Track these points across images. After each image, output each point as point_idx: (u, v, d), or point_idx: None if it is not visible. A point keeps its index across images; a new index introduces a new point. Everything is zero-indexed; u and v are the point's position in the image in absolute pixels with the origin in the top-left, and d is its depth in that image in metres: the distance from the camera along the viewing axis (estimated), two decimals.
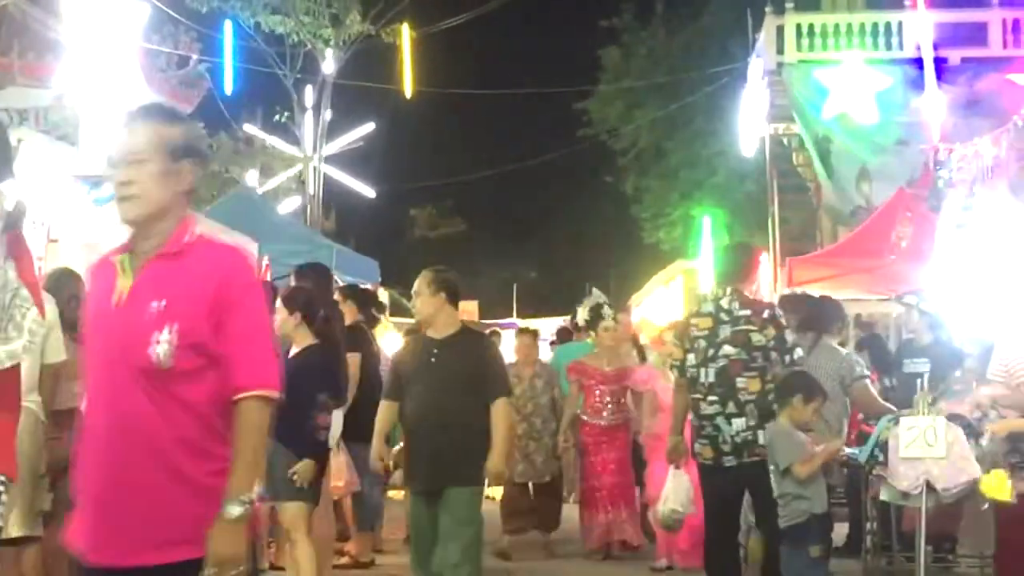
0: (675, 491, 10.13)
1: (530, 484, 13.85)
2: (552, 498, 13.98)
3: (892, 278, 14.97)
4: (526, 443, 13.50)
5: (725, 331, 9.29)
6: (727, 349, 9.26)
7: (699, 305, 9.82)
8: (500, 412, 8.99)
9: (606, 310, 13.64)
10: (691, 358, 9.45)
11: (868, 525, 11.61)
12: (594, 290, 14.25)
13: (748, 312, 9.30)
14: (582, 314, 14.06)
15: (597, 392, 13.28)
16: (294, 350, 9.67)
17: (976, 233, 13.37)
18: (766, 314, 9.32)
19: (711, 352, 9.32)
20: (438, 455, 8.86)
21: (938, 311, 12.55)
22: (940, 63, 23.88)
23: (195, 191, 4.80)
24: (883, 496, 9.25)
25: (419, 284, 9.19)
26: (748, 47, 29.10)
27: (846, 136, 24.52)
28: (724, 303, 9.39)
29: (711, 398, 9.32)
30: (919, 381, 9.11)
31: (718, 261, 10.08)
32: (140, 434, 4.50)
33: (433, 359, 9.07)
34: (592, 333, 13.87)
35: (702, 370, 9.36)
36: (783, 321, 9.44)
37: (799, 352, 9.42)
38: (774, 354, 9.22)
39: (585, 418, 13.31)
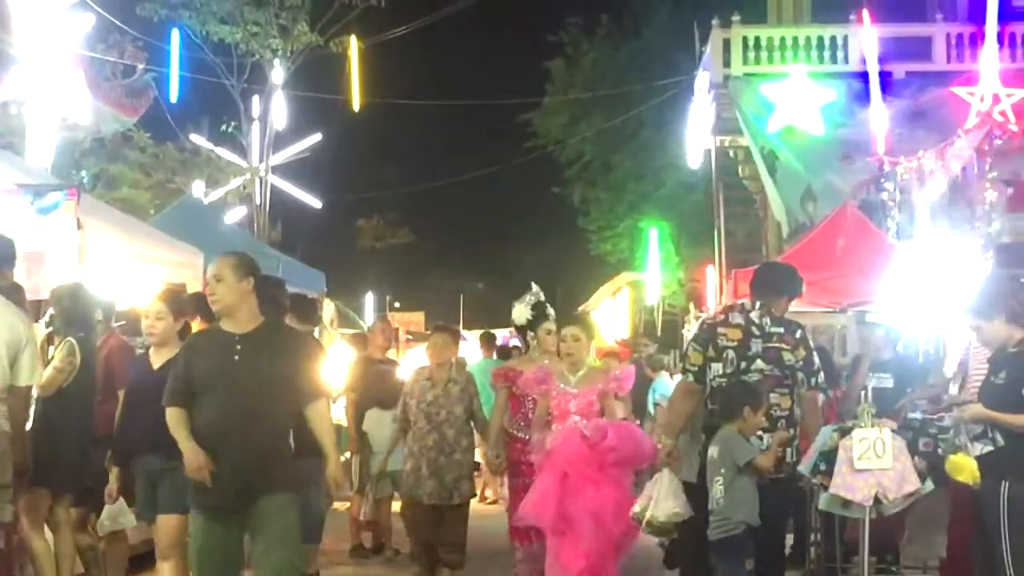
0: (672, 493, 9.20)
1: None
2: (459, 526, 11.71)
3: (837, 290, 15.05)
4: (436, 457, 11.50)
5: (756, 345, 9.06)
6: (760, 364, 9.01)
7: (726, 314, 9.48)
8: (322, 415, 7.94)
9: (550, 309, 11.69)
10: (718, 368, 9.13)
11: (812, 536, 11.66)
12: (534, 286, 11.98)
13: (780, 330, 9.09)
14: (523, 312, 11.76)
15: (529, 402, 11.12)
16: (164, 356, 8.98)
17: (921, 245, 13.50)
18: (798, 334, 9.10)
19: (743, 365, 9.05)
20: (244, 467, 7.64)
21: (896, 325, 12.63)
22: (885, 77, 24.09)
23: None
24: (821, 505, 9.29)
25: (220, 268, 7.90)
26: (694, 59, 29.26)
27: (791, 152, 24.68)
28: (754, 316, 9.14)
29: None
30: (863, 393, 9.18)
31: (757, 275, 9.85)
32: None
33: (237, 356, 7.79)
34: (532, 334, 11.66)
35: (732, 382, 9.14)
36: (811, 343, 9.35)
37: (823, 376, 9.32)
38: (800, 375, 9.05)
39: (515, 432, 11.29)
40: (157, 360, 9.08)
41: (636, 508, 9.44)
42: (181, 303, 9.44)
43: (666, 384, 18.91)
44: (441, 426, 11.60)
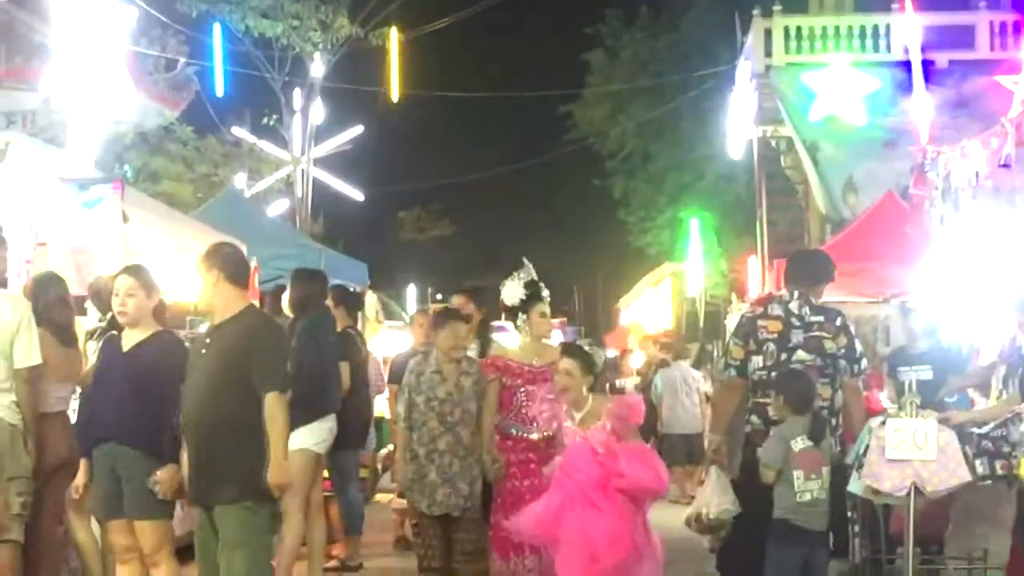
0: (721, 490, 9.10)
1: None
2: (476, 532, 10.17)
3: (879, 281, 14.99)
4: (450, 462, 10.01)
5: (797, 336, 9.01)
6: (801, 354, 8.96)
7: (764, 307, 9.42)
8: (270, 408, 7.48)
9: (544, 290, 10.41)
10: (758, 360, 9.07)
11: (853, 527, 11.63)
12: (526, 261, 10.68)
13: (820, 318, 9.06)
14: (515, 291, 10.34)
15: (522, 395, 10.05)
16: (135, 338, 8.42)
17: (965, 235, 13.41)
18: (838, 322, 9.07)
19: (783, 356, 8.99)
20: (202, 464, 7.59)
21: (935, 316, 12.56)
22: (928, 65, 23.89)
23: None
24: (850, 488, 9.16)
25: (196, 266, 7.85)
26: (734, 49, 29.18)
27: (833, 142, 24.57)
28: (794, 307, 9.10)
29: None
30: (907, 383, 9.14)
31: (792, 264, 9.77)
32: None
33: (204, 350, 7.77)
34: (523, 316, 10.32)
35: (774, 374, 8.99)
36: (852, 331, 9.26)
37: (865, 362, 9.29)
38: (843, 362, 9.02)
39: (506, 429, 10.20)
40: (128, 341, 8.46)
41: (690, 510, 9.47)
42: (152, 278, 8.73)
43: None
44: (456, 427, 10.08)
